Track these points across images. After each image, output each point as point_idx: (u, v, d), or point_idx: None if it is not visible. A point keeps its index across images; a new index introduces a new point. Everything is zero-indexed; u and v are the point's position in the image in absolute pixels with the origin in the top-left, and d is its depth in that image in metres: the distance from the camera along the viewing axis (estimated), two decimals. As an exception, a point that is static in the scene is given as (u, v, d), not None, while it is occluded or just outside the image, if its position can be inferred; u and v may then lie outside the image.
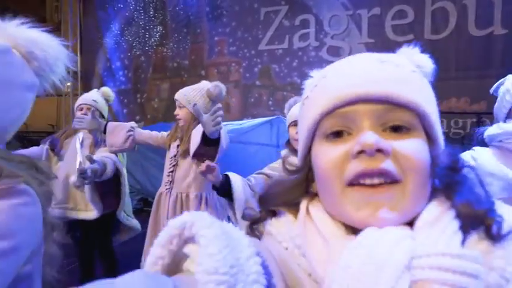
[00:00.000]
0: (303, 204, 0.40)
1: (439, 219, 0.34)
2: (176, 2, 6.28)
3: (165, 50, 6.46)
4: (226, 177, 1.50)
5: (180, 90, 1.97)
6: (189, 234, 0.31)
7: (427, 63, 0.45)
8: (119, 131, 2.00)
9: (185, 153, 1.85)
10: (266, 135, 3.83)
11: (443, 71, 4.31)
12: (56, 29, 9.16)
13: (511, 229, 0.33)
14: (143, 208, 4.30)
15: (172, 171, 1.92)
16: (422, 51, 0.45)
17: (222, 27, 5.78)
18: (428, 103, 0.38)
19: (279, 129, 3.71)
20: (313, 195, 0.41)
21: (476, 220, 0.34)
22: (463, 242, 0.34)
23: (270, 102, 5.45)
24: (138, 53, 6.70)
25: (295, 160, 0.46)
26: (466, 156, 1.35)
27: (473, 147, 1.27)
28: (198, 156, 1.70)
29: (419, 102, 0.36)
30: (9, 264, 0.61)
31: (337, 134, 0.37)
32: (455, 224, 0.34)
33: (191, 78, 6.09)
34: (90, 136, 2.10)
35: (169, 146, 1.99)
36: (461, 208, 0.35)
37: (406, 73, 0.38)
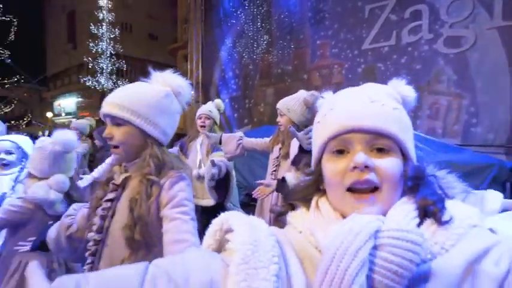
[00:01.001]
0: (314, 200, 0.57)
1: (403, 209, 0.49)
2: (281, 10, 6.65)
3: (270, 57, 6.91)
4: (283, 179, 1.80)
5: (281, 100, 2.21)
6: (227, 226, 0.50)
7: (410, 93, 0.59)
8: (231, 141, 2.39)
9: (286, 155, 2.09)
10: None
11: None
12: (183, 47, 10.96)
13: (451, 217, 0.48)
14: (249, 202, 4.77)
15: (275, 171, 2.19)
16: None
17: (324, 30, 5.80)
18: (404, 132, 0.53)
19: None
20: (323, 192, 0.57)
21: (428, 209, 0.48)
22: (420, 225, 0.48)
23: (375, 103, 5.19)
24: (247, 62, 7.38)
25: None
26: None
27: None
28: (297, 163, 1.96)
29: (396, 133, 0.52)
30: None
31: (340, 152, 0.53)
32: (414, 213, 0.49)
33: (294, 82, 6.34)
34: (207, 140, 2.61)
35: (272, 148, 2.27)
36: (419, 201, 0.50)
37: (389, 111, 0.53)
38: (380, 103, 0.53)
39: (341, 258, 0.41)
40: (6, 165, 1.86)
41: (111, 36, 17.75)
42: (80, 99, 24.15)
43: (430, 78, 4.57)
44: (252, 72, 7.31)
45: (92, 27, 17.39)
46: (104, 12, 17.56)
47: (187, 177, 1.06)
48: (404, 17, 4.75)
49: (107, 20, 17.67)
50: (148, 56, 23.48)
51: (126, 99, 1.01)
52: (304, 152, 1.83)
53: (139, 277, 0.43)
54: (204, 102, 3.05)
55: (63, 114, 25.30)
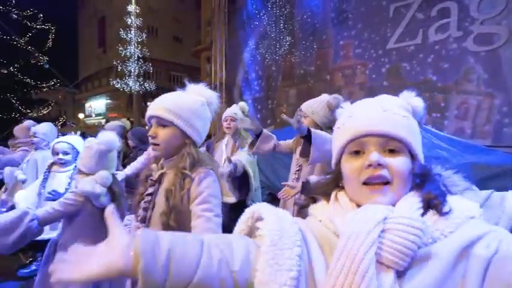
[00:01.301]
0: (333, 194, 0.66)
1: (409, 201, 0.57)
2: (304, 11, 6.66)
3: (293, 58, 6.94)
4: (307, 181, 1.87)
5: (305, 103, 2.28)
6: (257, 215, 0.59)
7: (419, 103, 0.68)
8: (269, 141, 2.41)
9: (309, 156, 2.16)
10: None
11: None
12: (207, 49, 11.19)
13: (450, 208, 0.56)
14: (272, 202, 4.85)
15: (298, 170, 2.25)
16: None
17: (348, 30, 5.76)
18: (411, 136, 0.62)
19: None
20: (341, 188, 0.66)
21: (431, 202, 0.57)
22: (424, 215, 0.56)
23: (400, 103, 5.09)
24: (269, 63, 7.44)
25: None
26: None
27: None
28: (303, 154, 2.11)
29: (405, 137, 0.60)
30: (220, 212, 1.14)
31: (357, 152, 0.62)
32: (419, 204, 0.57)
33: (317, 83, 6.35)
34: (232, 141, 2.73)
35: (296, 149, 2.33)
36: (424, 195, 0.58)
37: (399, 118, 0.62)
38: (391, 112, 0.62)
39: (355, 239, 0.51)
40: (63, 163, 2.14)
41: (139, 40, 18.45)
42: (109, 100, 25.28)
43: (458, 77, 4.45)
44: (274, 73, 7.37)
45: (121, 32, 18.17)
46: (132, 17, 18.28)
47: (214, 174, 1.17)
48: (431, 15, 4.65)
49: (135, 25, 18.38)
50: (173, 59, 24.16)
51: (171, 104, 1.15)
52: (308, 141, 1.94)
53: (199, 243, 0.53)
54: (228, 103, 3.17)
55: (93, 115, 26.57)
